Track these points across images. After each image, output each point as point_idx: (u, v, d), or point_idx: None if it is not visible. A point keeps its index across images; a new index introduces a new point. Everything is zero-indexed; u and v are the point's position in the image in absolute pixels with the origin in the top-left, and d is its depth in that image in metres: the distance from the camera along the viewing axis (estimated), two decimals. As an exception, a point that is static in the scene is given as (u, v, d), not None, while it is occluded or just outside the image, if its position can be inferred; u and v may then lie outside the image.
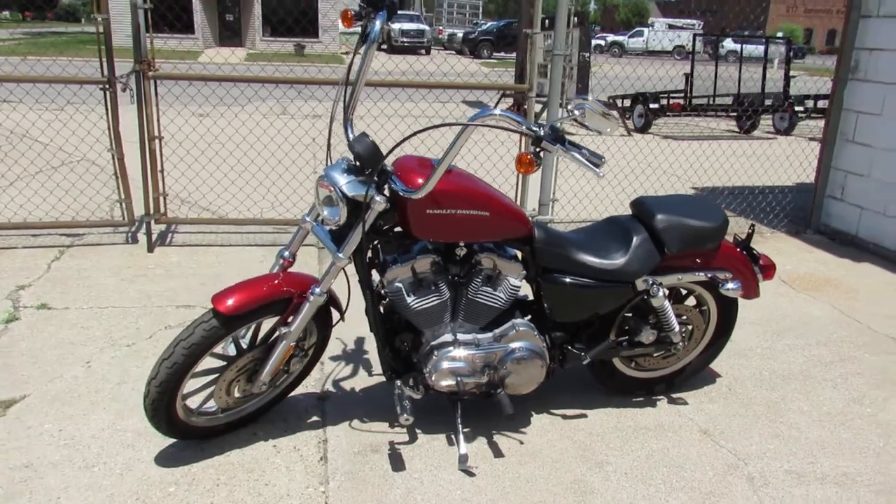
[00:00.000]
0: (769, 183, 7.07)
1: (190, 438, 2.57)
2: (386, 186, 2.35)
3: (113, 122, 4.57)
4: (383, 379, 3.13)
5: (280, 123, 7.64)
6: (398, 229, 2.47)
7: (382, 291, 2.53)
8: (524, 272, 2.58)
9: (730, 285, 2.69)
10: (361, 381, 3.12)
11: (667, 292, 2.71)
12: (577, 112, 2.06)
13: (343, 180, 2.28)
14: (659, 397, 3.04)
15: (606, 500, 2.40)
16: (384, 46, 32.77)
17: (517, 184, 5.07)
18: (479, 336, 2.61)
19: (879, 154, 4.92)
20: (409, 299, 2.47)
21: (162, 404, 2.34)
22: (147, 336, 3.47)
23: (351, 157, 2.40)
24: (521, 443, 2.71)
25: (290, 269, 2.57)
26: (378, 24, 2.31)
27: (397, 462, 2.57)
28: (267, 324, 2.56)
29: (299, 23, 25.90)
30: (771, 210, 5.77)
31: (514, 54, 30.75)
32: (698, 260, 2.72)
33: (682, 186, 7.08)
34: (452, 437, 2.72)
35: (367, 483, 2.45)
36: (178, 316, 3.70)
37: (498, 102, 12.51)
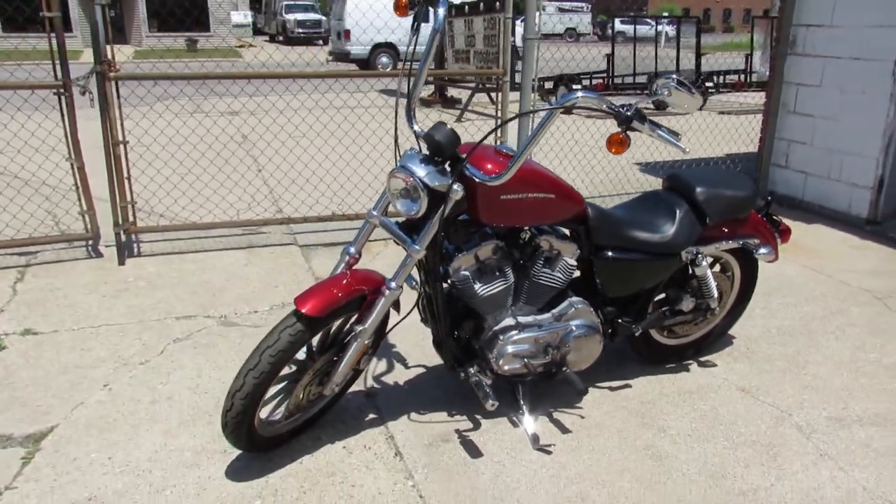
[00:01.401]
0: (704, 155, 7.47)
1: (261, 450, 2.48)
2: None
3: (71, 129, 4.27)
4: (422, 371, 3.16)
5: (209, 121, 7.36)
6: (461, 217, 2.47)
7: (449, 281, 2.52)
8: (578, 251, 2.64)
9: (762, 250, 2.87)
10: (402, 375, 3.11)
11: (709, 261, 2.85)
12: (664, 91, 2.13)
13: (422, 171, 2.25)
14: (689, 362, 3.20)
15: (682, 462, 2.51)
16: (280, 38, 31.99)
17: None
18: (539, 317, 2.65)
19: (820, 122, 5.32)
20: (476, 286, 2.48)
21: (245, 417, 2.25)
22: (158, 352, 3.29)
23: (417, 147, 2.37)
24: (582, 417, 2.79)
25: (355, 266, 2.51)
26: (442, 12, 2.29)
27: (472, 449, 2.58)
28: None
29: (189, 15, 24.77)
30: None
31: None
32: (733, 228, 2.88)
33: (626, 163, 7.36)
34: (515, 419, 2.76)
35: (452, 472, 2.46)
36: (182, 328, 3.53)
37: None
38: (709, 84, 11.25)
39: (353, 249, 2.47)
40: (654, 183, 6.56)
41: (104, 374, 3.09)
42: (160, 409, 2.82)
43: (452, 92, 13.03)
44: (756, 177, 5.92)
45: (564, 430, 2.71)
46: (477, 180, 2.29)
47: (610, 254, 2.67)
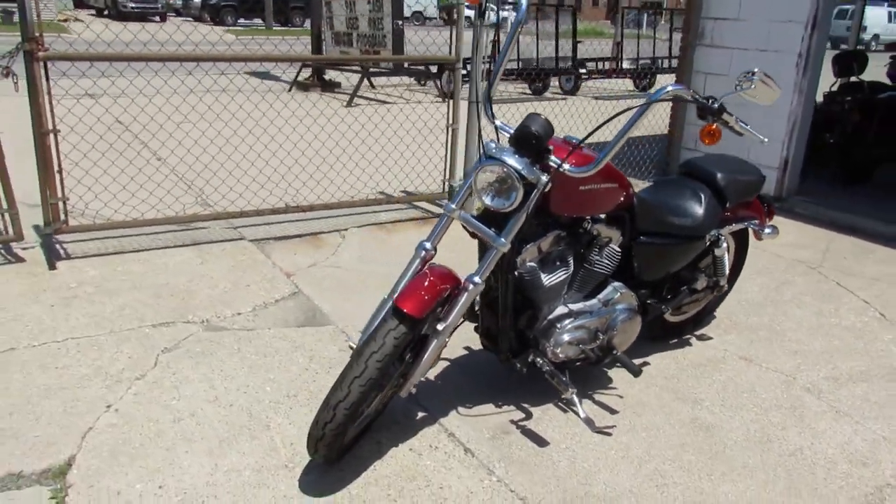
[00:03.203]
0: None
1: (338, 460, 2.35)
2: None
3: (-14, 117, 3.71)
4: (448, 364, 3.12)
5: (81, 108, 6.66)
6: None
7: (516, 272, 2.49)
8: (621, 237, 2.73)
9: (767, 230, 3.11)
10: (432, 370, 3.05)
11: (727, 242, 3.05)
12: (746, 84, 2.24)
13: (518, 164, 2.21)
14: (687, 336, 3.41)
15: (728, 430, 2.69)
16: (106, 13, 29.26)
17: (446, 156, 5.10)
18: (588, 304, 2.72)
19: (729, 109, 5.79)
20: (543, 276, 2.50)
21: (346, 428, 2.11)
22: (151, 365, 2.99)
23: (495, 137, 2.33)
24: (621, 397, 2.90)
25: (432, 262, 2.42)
26: (525, 2, 2.25)
27: (536, 438, 2.61)
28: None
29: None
30: (641, 163, 6.47)
31: (259, 21, 29.57)
32: (743, 211, 3.10)
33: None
34: (560, 405, 2.82)
35: (529, 464, 2.47)
36: (165, 336, 3.22)
37: (297, 74, 12.10)
38: (582, 71, 11.84)
39: (428, 245, 2.38)
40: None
41: (98, 393, 2.76)
42: (189, 428, 2.57)
43: (331, 74, 12.69)
44: (667, 160, 6.35)
45: (612, 410, 2.80)
46: (564, 171, 2.29)
47: (648, 239, 2.79)
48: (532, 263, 2.47)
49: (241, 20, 29.63)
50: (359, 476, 2.36)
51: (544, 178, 2.25)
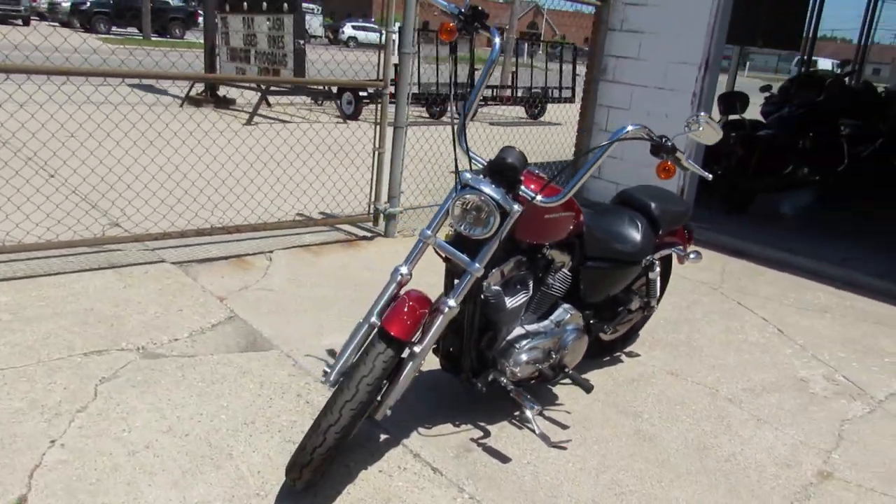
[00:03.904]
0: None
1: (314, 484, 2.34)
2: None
3: None
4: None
5: None
6: None
7: (482, 296, 2.60)
8: (571, 262, 2.91)
9: (692, 255, 3.40)
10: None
11: (658, 266, 3.31)
12: (695, 126, 2.48)
13: (494, 193, 2.32)
14: (617, 354, 3.65)
15: (668, 440, 2.92)
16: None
17: (372, 180, 5.15)
18: (542, 324, 2.87)
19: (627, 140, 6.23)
20: (507, 299, 2.62)
21: (334, 453, 2.12)
22: (90, 396, 2.85)
23: (470, 166, 2.44)
24: (568, 412, 3.06)
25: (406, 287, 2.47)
26: (498, 42, 2.39)
27: (498, 455, 2.71)
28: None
29: None
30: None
31: (134, 30, 28.20)
32: (671, 237, 3.37)
33: (440, 171, 7.75)
34: (515, 422, 2.94)
35: (496, 479, 2.56)
36: (100, 366, 3.07)
37: (187, 93, 11.68)
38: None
39: (404, 269, 2.44)
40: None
41: (38, 428, 2.60)
42: (146, 461, 2.48)
43: (224, 90, 12.36)
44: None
45: (562, 426, 2.96)
46: (537, 202, 2.43)
47: (594, 263, 2.98)
48: (496, 287, 2.59)
49: (115, 28, 28.21)
50: (334, 501, 2.37)
51: (517, 207, 2.38)
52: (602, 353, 3.53)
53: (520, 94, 12.66)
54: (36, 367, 3.01)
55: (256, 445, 2.62)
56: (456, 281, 2.50)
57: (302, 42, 10.14)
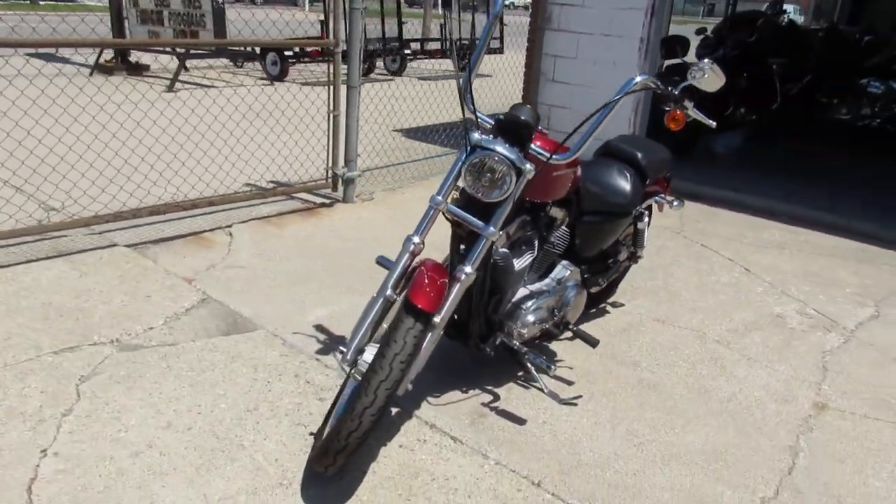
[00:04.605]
0: (450, 119, 8.06)
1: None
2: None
3: None
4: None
5: None
6: None
7: (492, 260, 2.52)
8: (567, 218, 2.87)
9: (675, 202, 3.42)
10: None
11: (646, 216, 3.31)
12: (699, 74, 2.44)
13: (509, 153, 2.24)
14: (602, 305, 3.67)
15: (671, 386, 2.96)
16: None
17: (328, 144, 4.94)
18: (543, 283, 2.84)
19: (577, 89, 6.22)
20: (515, 261, 2.57)
21: (368, 436, 2.04)
22: (74, 398, 2.65)
23: (480, 123, 2.36)
24: (571, 368, 3.07)
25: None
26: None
27: (513, 418, 2.69)
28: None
29: None
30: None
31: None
32: (655, 186, 3.37)
33: (387, 131, 7.58)
34: (521, 383, 2.93)
35: (517, 442, 2.54)
36: (75, 364, 2.86)
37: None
38: (407, 52, 11.94)
39: (416, 239, 2.33)
40: (420, 147, 6.92)
41: (24, 438, 2.40)
42: (153, 461, 2.33)
43: (137, 55, 11.62)
44: (522, 138, 6.66)
45: (567, 382, 2.96)
46: (548, 159, 2.36)
47: (590, 217, 2.95)
48: (504, 249, 2.53)
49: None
50: (362, 482, 2.30)
51: (529, 166, 2.30)
52: (590, 306, 3.54)
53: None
54: (2, 371, 2.77)
55: (266, 433, 2.51)
56: (462, 246, 2.42)
57: (221, 1, 9.60)
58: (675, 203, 3.43)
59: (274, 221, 4.64)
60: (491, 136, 2.31)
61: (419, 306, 2.07)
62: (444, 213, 2.38)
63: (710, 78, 2.44)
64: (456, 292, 2.29)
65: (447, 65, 13.60)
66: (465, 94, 2.41)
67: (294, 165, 5.39)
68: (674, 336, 3.40)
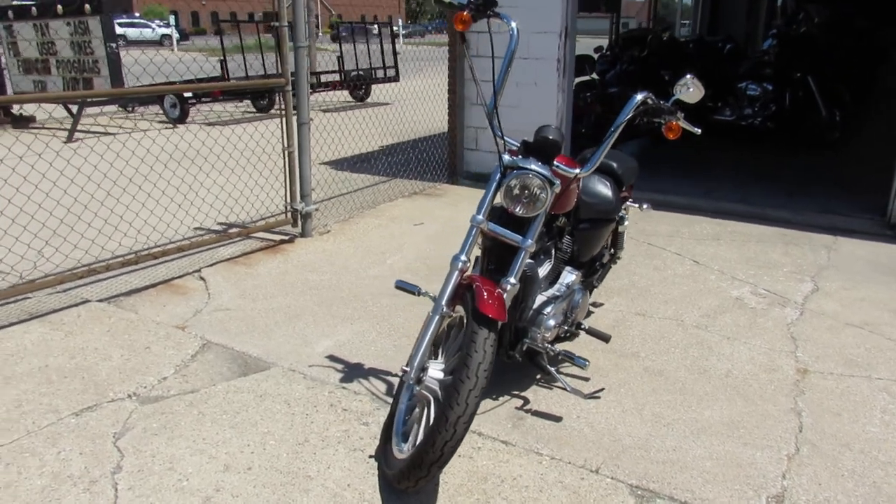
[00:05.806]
0: (395, 141, 8.21)
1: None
2: None
3: None
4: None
5: None
6: None
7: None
8: (568, 226, 3.12)
9: (645, 205, 3.75)
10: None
11: (626, 220, 3.61)
12: (684, 90, 2.74)
13: (544, 171, 2.44)
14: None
15: (674, 371, 3.26)
16: None
17: (286, 181, 4.96)
18: (554, 288, 3.06)
19: (503, 111, 6.48)
20: (539, 269, 2.77)
21: (459, 445, 2.15)
22: (118, 455, 2.60)
23: (506, 145, 2.56)
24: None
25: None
26: (515, 25, 2.50)
27: (549, 417, 2.88)
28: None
29: None
30: (429, 163, 6.90)
31: None
32: (627, 192, 3.69)
33: (314, 164, 7.60)
34: (542, 385, 3.12)
35: (562, 438, 2.73)
36: (101, 423, 2.79)
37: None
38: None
39: (463, 257, 2.47)
40: (355, 177, 7.03)
41: (83, 500, 2.34)
42: (227, 503, 2.33)
43: (17, 109, 10.98)
44: (453, 160, 6.93)
45: (582, 378, 3.18)
46: (575, 175, 2.59)
47: (585, 225, 3.21)
48: (529, 260, 2.73)
49: None
50: (437, 493, 2.40)
51: (557, 182, 2.53)
52: (578, 307, 3.80)
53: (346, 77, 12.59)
54: (29, 439, 2.66)
55: (327, 462, 2.56)
56: (485, 259, 2.61)
57: (115, 45, 9.28)
58: (646, 206, 3.77)
59: (241, 262, 4.61)
60: (519, 156, 2.52)
61: (490, 316, 2.23)
62: (483, 231, 2.56)
63: (693, 91, 2.75)
64: (507, 302, 2.47)
65: (345, 96, 13.73)
66: (492, 122, 2.60)
67: (241, 203, 5.37)
68: (658, 327, 3.71)
